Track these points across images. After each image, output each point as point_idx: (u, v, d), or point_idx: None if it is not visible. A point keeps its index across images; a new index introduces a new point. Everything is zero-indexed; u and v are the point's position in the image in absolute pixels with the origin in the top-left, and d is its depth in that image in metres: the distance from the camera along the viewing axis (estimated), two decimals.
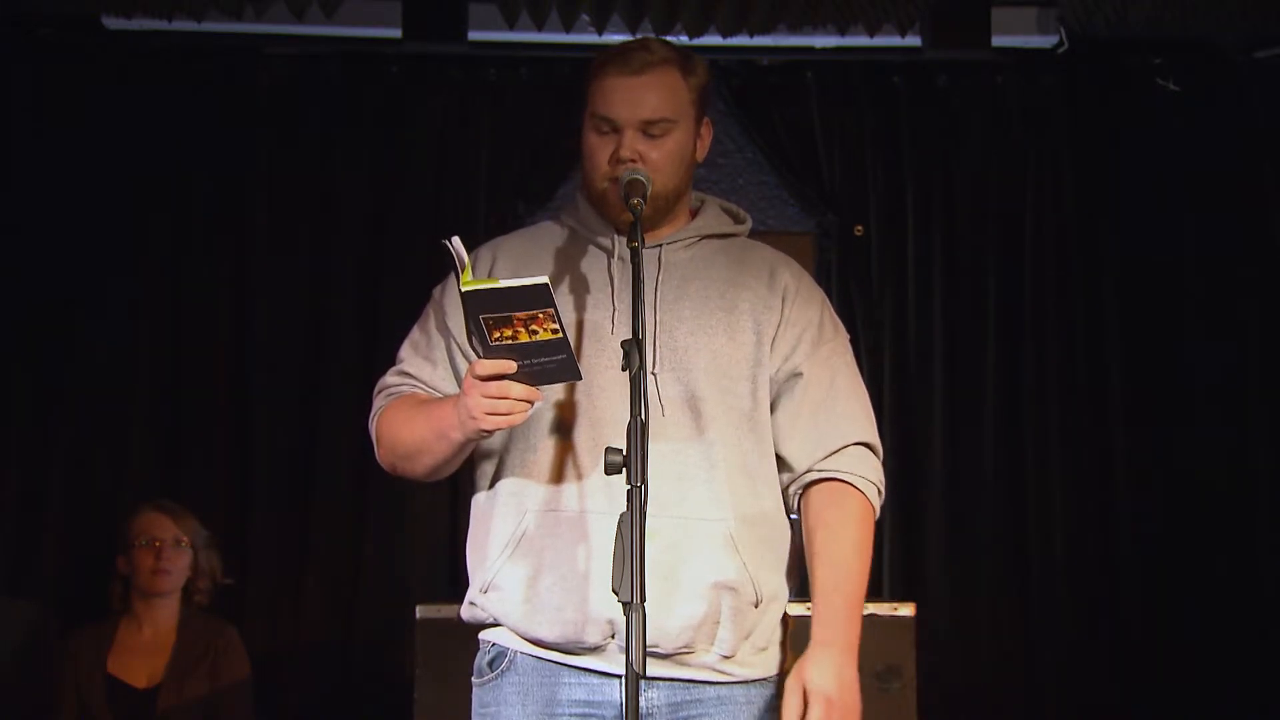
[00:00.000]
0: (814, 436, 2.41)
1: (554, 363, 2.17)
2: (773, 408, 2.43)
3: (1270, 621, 4.52)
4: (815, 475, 2.41)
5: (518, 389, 2.18)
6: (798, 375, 2.42)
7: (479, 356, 2.20)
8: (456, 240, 2.19)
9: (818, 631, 2.34)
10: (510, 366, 2.17)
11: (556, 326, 2.13)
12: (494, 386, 2.18)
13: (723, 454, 2.35)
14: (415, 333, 2.52)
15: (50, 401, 4.58)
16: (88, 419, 4.59)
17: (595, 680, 2.32)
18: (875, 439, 2.45)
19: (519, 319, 2.12)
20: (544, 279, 2.10)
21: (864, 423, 2.45)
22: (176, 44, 4.64)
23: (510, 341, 2.14)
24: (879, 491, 2.43)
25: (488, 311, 2.12)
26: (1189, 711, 4.48)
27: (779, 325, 2.43)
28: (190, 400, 4.65)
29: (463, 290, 2.13)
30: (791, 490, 2.43)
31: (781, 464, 2.43)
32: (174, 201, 4.70)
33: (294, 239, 4.72)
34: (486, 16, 4.50)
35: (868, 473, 2.41)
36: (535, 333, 2.13)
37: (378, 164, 4.76)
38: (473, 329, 2.17)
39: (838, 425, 2.41)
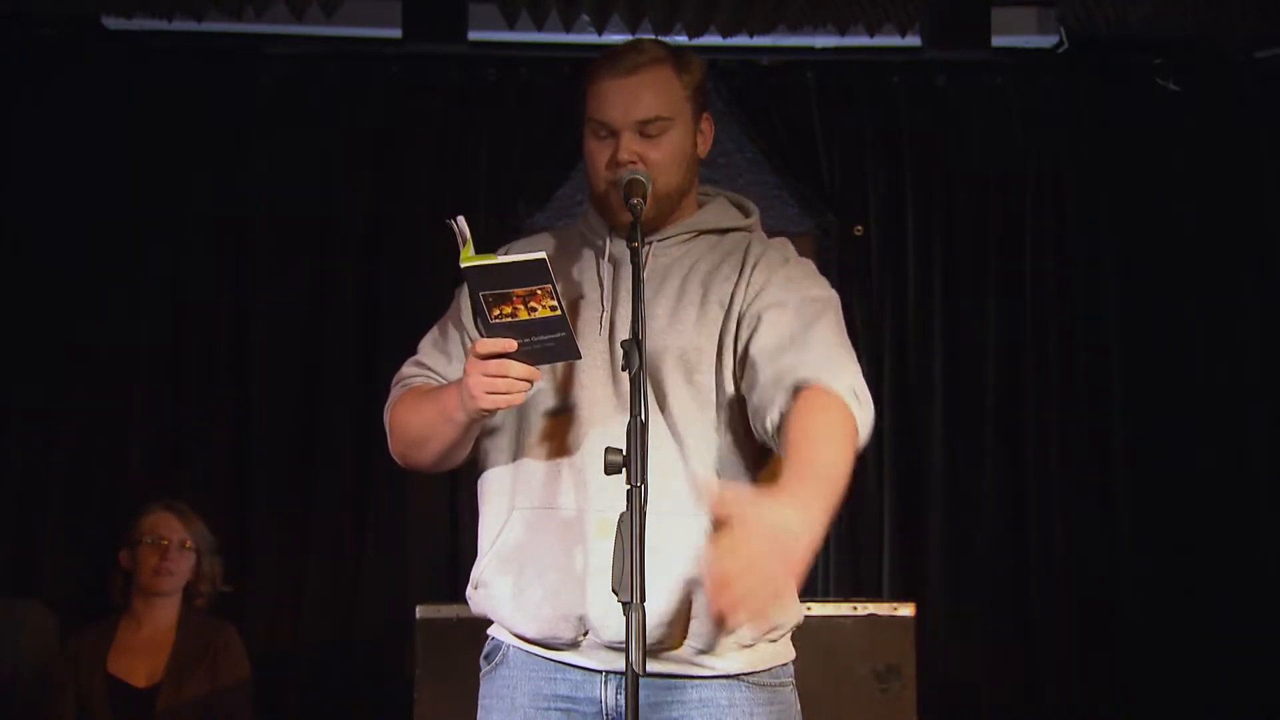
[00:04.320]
0: (791, 365, 2.25)
1: (553, 340, 2.18)
2: (747, 349, 2.30)
3: (1271, 621, 4.52)
4: (791, 387, 2.20)
5: (517, 368, 2.19)
6: (775, 305, 2.30)
7: (481, 336, 2.21)
8: (460, 219, 2.20)
9: (782, 480, 2.09)
10: (510, 345, 2.18)
11: (555, 303, 2.13)
12: (494, 365, 2.19)
13: (695, 448, 2.34)
14: (436, 327, 2.54)
15: (50, 401, 4.58)
16: (88, 419, 4.59)
17: (577, 676, 2.34)
18: (862, 384, 2.24)
19: (518, 295, 2.13)
20: (541, 254, 2.12)
21: (849, 363, 2.27)
22: (176, 44, 4.64)
23: (510, 319, 2.15)
24: (861, 406, 2.21)
25: (487, 288, 2.13)
26: (1189, 711, 4.48)
27: (742, 294, 2.34)
28: (190, 401, 4.65)
29: (462, 266, 2.14)
30: (769, 424, 2.24)
31: (757, 408, 2.27)
32: (174, 201, 4.70)
33: (294, 239, 4.72)
34: (486, 16, 4.51)
35: (852, 382, 2.22)
36: (534, 310, 2.14)
37: (378, 164, 4.76)
38: (475, 307, 2.19)
39: (820, 357, 2.26)
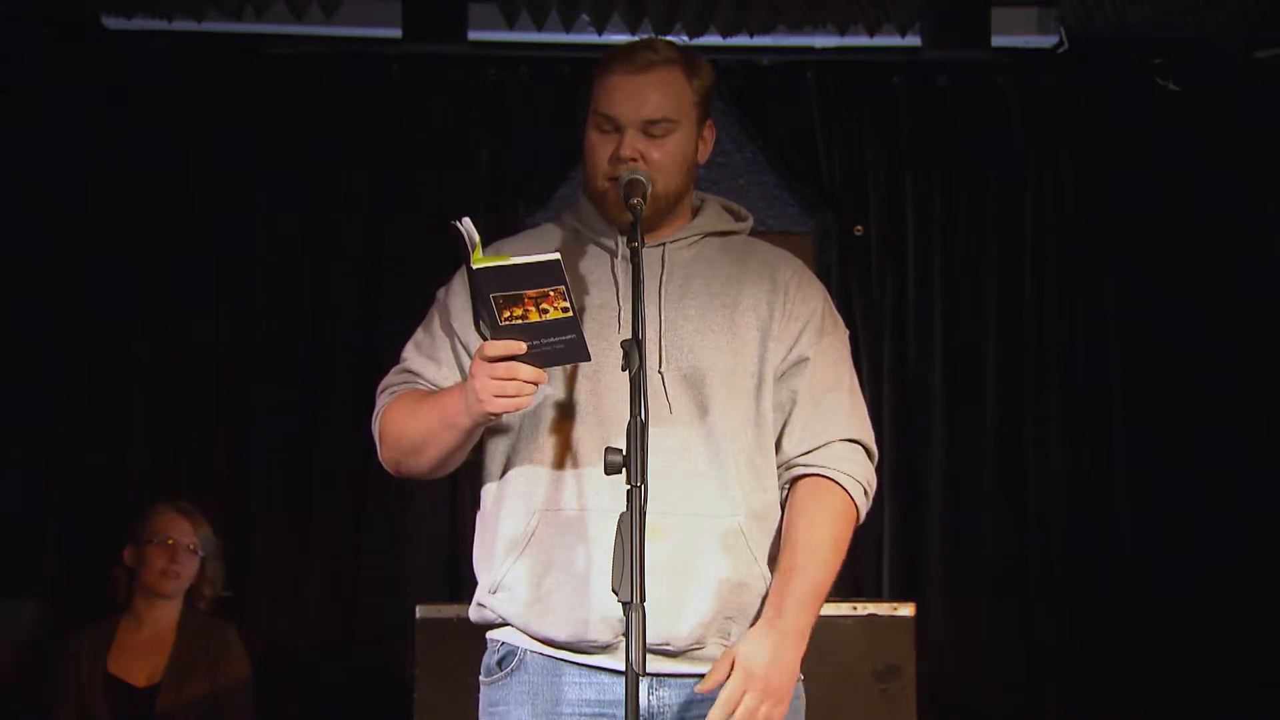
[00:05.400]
0: (807, 427, 2.41)
1: (563, 343, 2.16)
2: (774, 392, 2.42)
3: (1270, 622, 4.52)
4: (801, 470, 2.40)
5: (526, 371, 2.18)
6: (802, 362, 2.42)
7: (487, 339, 2.19)
8: (467, 220, 2.18)
9: (766, 611, 2.30)
10: (520, 348, 2.16)
11: (567, 305, 2.12)
12: (502, 368, 2.17)
13: (730, 450, 2.35)
14: (419, 333, 2.51)
15: (50, 401, 4.58)
16: (88, 418, 4.59)
17: (606, 679, 2.32)
18: (868, 437, 2.45)
19: (530, 297, 2.11)
20: (556, 255, 2.10)
21: (856, 420, 2.44)
22: (176, 44, 4.64)
23: (520, 322, 2.13)
24: (865, 491, 2.41)
25: (498, 290, 2.11)
26: (1189, 712, 4.48)
27: (782, 319, 2.43)
28: (190, 400, 4.65)
29: (474, 268, 2.12)
30: (780, 476, 2.43)
31: (775, 448, 2.43)
32: (174, 201, 4.70)
33: (294, 239, 4.72)
34: (486, 16, 4.50)
35: (853, 470, 2.40)
36: (546, 311, 2.12)
37: (378, 164, 4.76)
38: (482, 310, 2.16)
39: (831, 418, 2.41)
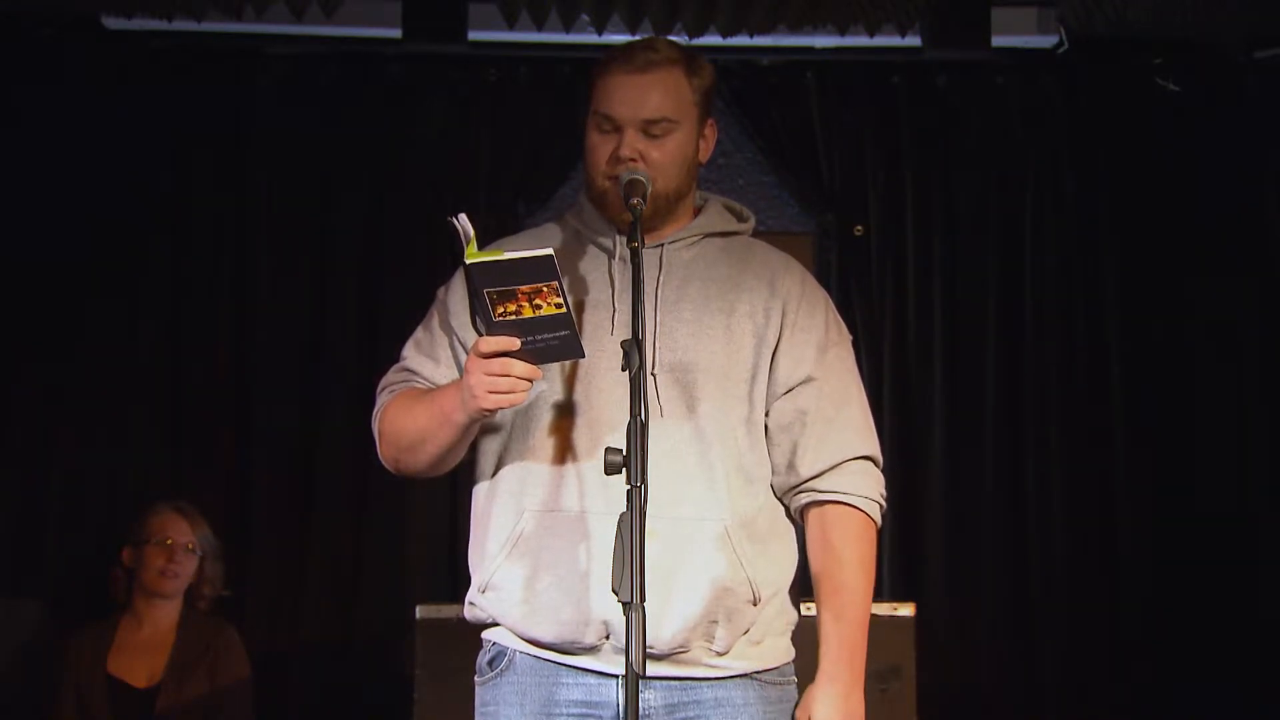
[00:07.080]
0: (821, 447, 2.41)
1: (557, 339, 2.17)
2: (779, 411, 2.42)
3: (1270, 622, 4.52)
4: (820, 496, 2.41)
5: (520, 367, 2.18)
6: (809, 381, 2.42)
7: (482, 335, 2.20)
8: (463, 216, 2.19)
9: (824, 663, 2.37)
10: (513, 343, 2.17)
11: (560, 301, 2.12)
12: (496, 364, 2.18)
13: (720, 454, 2.35)
14: (419, 332, 2.52)
15: (50, 401, 4.58)
16: (88, 419, 4.59)
17: (593, 680, 2.32)
18: (877, 450, 2.46)
19: (523, 293, 2.12)
20: (549, 250, 2.11)
21: (866, 435, 2.45)
22: (176, 44, 4.64)
23: (514, 318, 2.14)
24: (881, 508, 2.44)
25: (492, 285, 2.12)
26: (1189, 712, 4.48)
27: (784, 331, 2.43)
28: (191, 401, 4.65)
29: (468, 263, 2.13)
30: (794, 498, 2.43)
31: (785, 468, 2.43)
32: (174, 201, 4.70)
33: (294, 239, 4.72)
34: (486, 16, 4.50)
35: (869, 490, 2.42)
36: (539, 307, 2.13)
37: (378, 164, 4.76)
38: (477, 305, 2.17)
39: (842, 437, 2.42)
